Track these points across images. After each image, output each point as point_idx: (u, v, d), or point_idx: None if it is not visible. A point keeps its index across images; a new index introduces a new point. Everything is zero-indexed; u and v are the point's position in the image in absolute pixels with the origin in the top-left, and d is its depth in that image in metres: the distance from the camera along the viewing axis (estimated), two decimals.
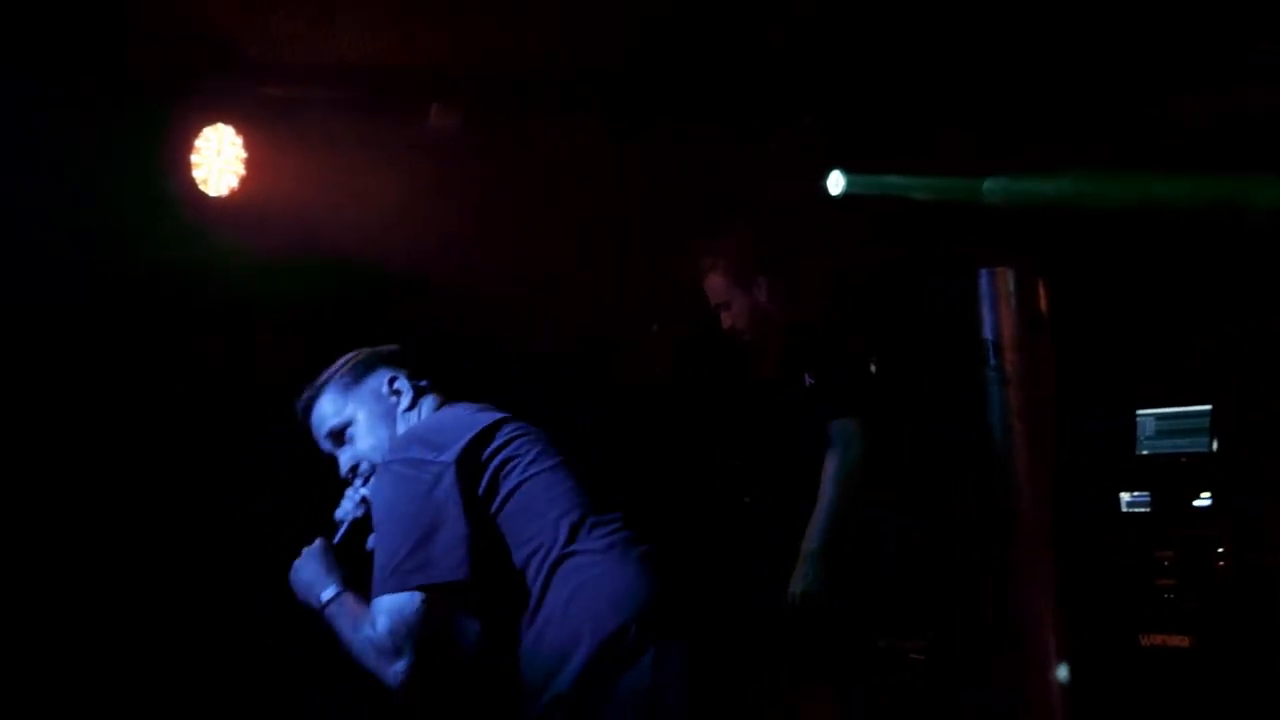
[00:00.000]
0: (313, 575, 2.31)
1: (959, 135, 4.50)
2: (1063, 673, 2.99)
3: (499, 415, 2.27)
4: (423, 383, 2.41)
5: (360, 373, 2.40)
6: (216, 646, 3.87)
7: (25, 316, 3.70)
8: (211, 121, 3.92)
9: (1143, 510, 4.49)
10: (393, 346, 2.45)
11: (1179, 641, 4.18)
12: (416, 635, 2.06)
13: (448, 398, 2.41)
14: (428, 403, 2.38)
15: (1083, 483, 4.65)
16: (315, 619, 2.30)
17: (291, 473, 3.87)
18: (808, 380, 3.56)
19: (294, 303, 4.04)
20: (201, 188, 3.92)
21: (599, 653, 2.03)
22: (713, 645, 2.17)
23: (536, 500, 2.15)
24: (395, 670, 2.08)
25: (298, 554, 2.38)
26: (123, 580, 3.77)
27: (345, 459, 2.39)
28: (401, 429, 2.34)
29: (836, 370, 3.54)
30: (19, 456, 3.65)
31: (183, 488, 3.92)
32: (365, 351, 2.44)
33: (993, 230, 4.79)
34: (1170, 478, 4.42)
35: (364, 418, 2.37)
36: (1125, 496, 4.55)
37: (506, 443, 2.19)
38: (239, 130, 3.95)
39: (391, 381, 2.38)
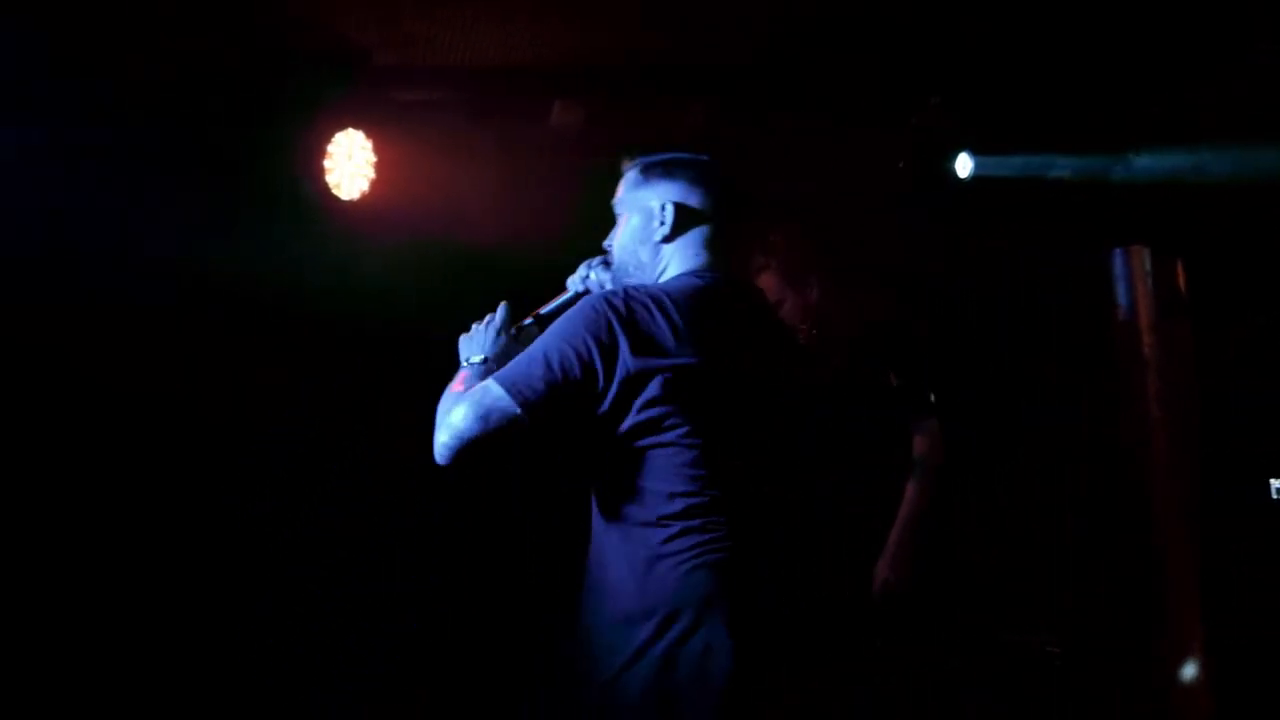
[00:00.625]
0: (476, 340, 2.33)
1: (1089, 114, 4.37)
2: (1190, 670, 2.89)
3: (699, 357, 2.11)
4: (694, 213, 2.26)
5: (651, 176, 2.30)
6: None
7: (165, 319, 3.88)
8: (343, 127, 4.03)
9: None
10: (699, 159, 2.31)
11: None
12: (484, 428, 2.04)
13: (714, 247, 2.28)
14: (677, 253, 2.26)
15: (1231, 467, 4.49)
16: None
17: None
18: (892, 380, 3.54)
19: (427, 301, 4.12)
20: (334, 192, 4.03)
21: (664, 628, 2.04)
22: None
23: (659, 464, 2.09)
24: (441, 442, 2.08)
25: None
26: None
27: (610, 236, 2.37)
28: (648, 254, 2.28)
29: (917, 370, 3.52)
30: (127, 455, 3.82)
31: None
32: (675, 157, 2.31)
33: (1127, 209, 4.65)
34: None
35: (627, 219, 2.31)
36: (1276, 483, 4.37)
37: (673, 396, 2.08)
38: (369, 134, 4.06)
39: (664, 205, 2.26)
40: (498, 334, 2.34)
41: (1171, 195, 4.54)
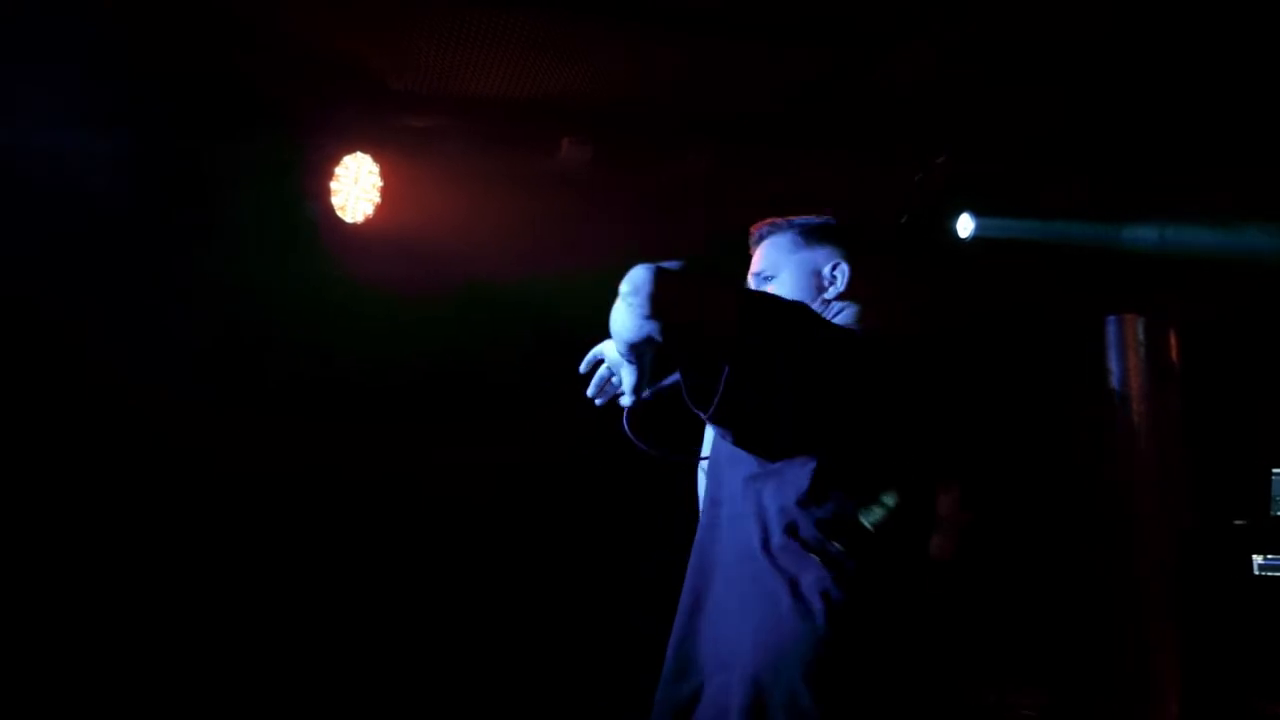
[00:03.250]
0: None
1: (1093, 181, 4.42)
2: None
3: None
4: (861, 276, 2.29)
5: (815, 238, 2.32)
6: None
7: (161, 335, 3.89)
8: (351, 150, 4.05)
9: (1276, 574, 4.33)
10: (853, 224, 2.35)
11: None
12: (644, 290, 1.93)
13: (878, 304, 2.31)
14: (849, 309, 2.29)
15: (1213, 543, 4.50)
16: None
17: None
18: None
19: (424, 328, 4.14)
20: (339, 214, 4.05)
21: None
22: None
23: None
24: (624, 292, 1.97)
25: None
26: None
27: None
28: (817, 309, 2.26)
29: None
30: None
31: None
32: (831, 221, 2.35)
33: (1122, 278, 4.68)
34: None
35: (790, 282, 2.30)
36: (1258, 559, 4.39)
37: None
38: (376, 158, 4.08)
39: (835, 266, 2.29)
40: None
41: (1168, 266, 4.58)
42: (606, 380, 2.33)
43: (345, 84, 3.93)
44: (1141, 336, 4.93)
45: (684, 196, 4.31)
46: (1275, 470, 4.37)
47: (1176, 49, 3.71)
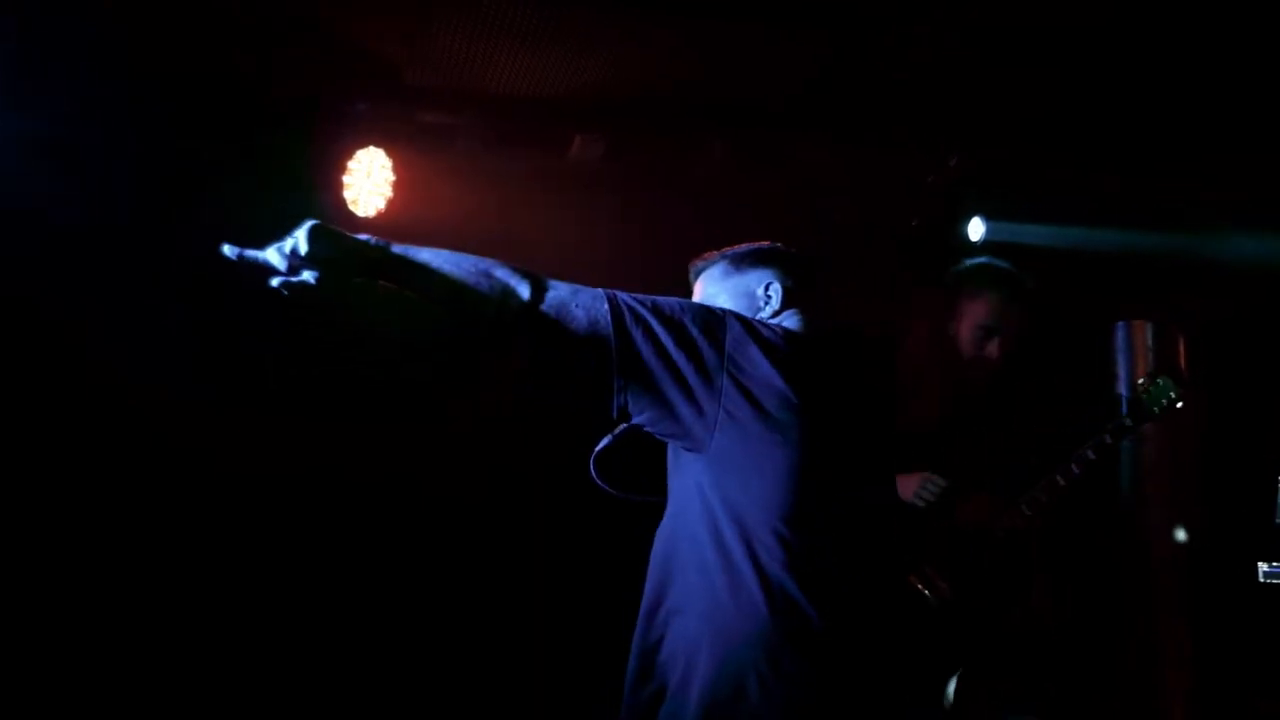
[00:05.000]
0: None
1: (1107, 186, 4.42)
2: None
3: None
4: (794, 291, 2.37)
5: (745, 265, 2.41)
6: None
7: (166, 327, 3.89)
8: (364, 144, 4.05)
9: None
10: (784, 248, 2.44)
11: None
12: (566, 301, 2.07)
13: (813, 315, 2.38)
14: (790, 317, 2.36)
15: (1219, 549, 4.49)
16: None
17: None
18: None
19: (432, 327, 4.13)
20: (351, 208, 4.05)
21: None
22: None
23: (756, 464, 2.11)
24: (522, 290, 2.08)
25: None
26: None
27: None
28: None
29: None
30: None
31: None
32: (761, 246, 2.44)
33: (1132, 283, 4.68)
34: None
35: (728, 307, 2.35)
36: (1263, 566, 4.37)
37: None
38: (389, 153, 4.08)
39: (768, 286, 2.37)
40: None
41: (1179, 271, 4.58)
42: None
43: (360, 78, 3.94)
44: (1150, 341, 4.94)
45: (697, 190, 4.31)
46: None
47: (1190, 46, 3.72)
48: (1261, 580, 4.41)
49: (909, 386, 3.63)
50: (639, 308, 2.11)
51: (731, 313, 2.20)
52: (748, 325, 2.18)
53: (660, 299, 2.16)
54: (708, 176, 4.32)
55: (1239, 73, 3.86)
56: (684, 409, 2.09)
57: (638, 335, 2.08)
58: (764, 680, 2.03)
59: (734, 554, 2.08)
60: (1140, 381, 3.43)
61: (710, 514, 2.12)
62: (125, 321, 3.86)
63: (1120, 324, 4.47)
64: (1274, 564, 4.45)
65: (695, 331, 2.12)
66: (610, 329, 2.07)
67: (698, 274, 2.47)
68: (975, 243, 4.50)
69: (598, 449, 2.38)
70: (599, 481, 2.37)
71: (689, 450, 2.15)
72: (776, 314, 2.35)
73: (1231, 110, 4.10)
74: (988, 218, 4.49)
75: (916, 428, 3.49)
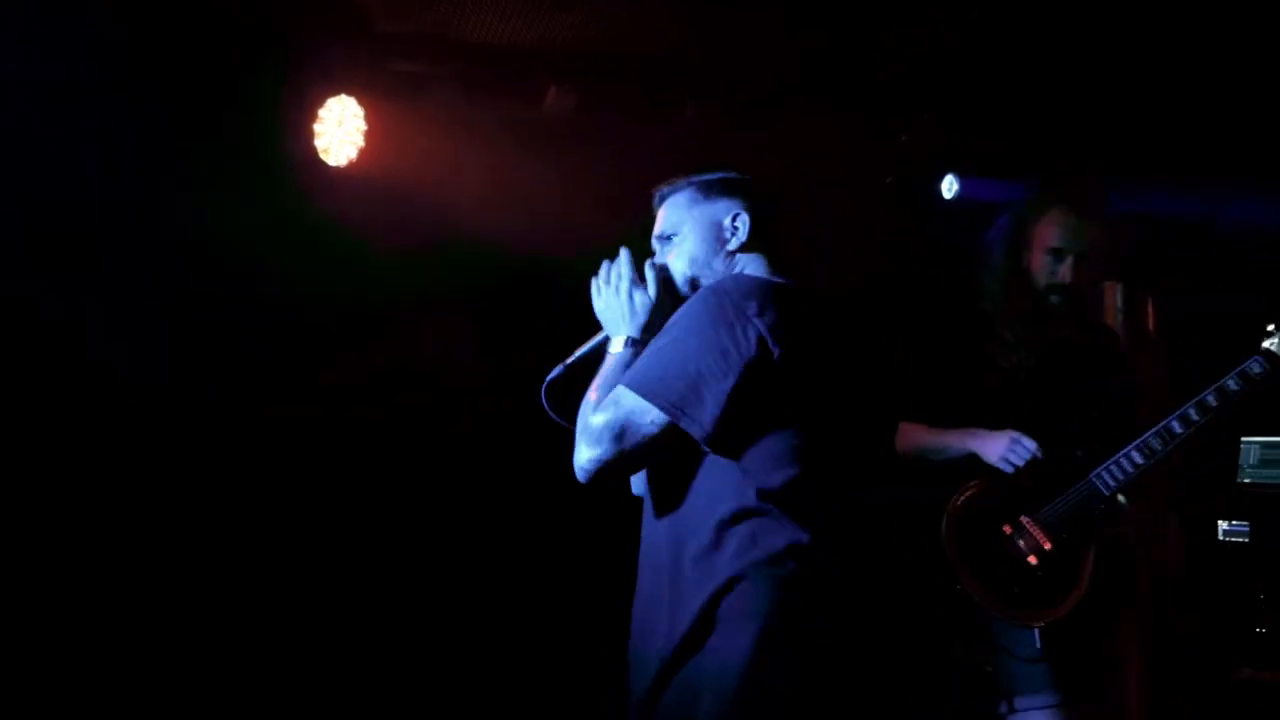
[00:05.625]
0: (617, 309, 2.27)
1: (1080, 147, 4.43)
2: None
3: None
4: (761, 224, 2.33)
5: (713, 193, 2.35)
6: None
7: (137, 278, 3.83)
8: (336, 92, 4.00)
9: (1240, 540, 4.39)
10: (752, 180, 2.39)
11: (1272, 677, 4.09)
12: (625, 446, 2.03)
13: (780, 255, 2.35)
14: (750, 261, 2.31)
15: (1180, 507, 4.56)
16: None
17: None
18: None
19: (404, 275, 4.11)
20: (322, 156, 4.00)
21: None
22: None
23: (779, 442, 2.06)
24: (584, 459, 2.05)
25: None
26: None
27: (660, 255, 2.39)
28: (721, 264, 2.31)
29: None
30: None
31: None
32: (730, 175, 2.39)
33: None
34: (1271, 509, 4.32)
35: (692, 237, 2.33)
36: (1223, 525, 4.45)
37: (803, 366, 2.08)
38: (361, 102, 4.03)
39: (735, 217, 2.32)
40: (638, 302, 2.26)
41: (1149, 232, 4.61)
42: None
43: (331, 25, 3.88)
44: (1119, 303, 4.98)
45: (672, 146, 4.29)
46: (1245, 439, 4.42)
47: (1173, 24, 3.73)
48: (1221, 539, 4.50)
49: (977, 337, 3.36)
50: None
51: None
52: None
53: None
54: (682, 135, 4.30)
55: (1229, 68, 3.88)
56: None
57: None
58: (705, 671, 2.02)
59: (687, 541, 2.07)
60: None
61: (675, 503, 2.11)
62: (125, 321, 3.79)
63: None
64: (1234, 523, 4.52)
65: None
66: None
67: (662, 199, 2.41)
68: (949, 200, 4.52)
69: (549, 378, 2.33)
70: (549, 411, 2.30)
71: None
72: (743, 247, 2.31)
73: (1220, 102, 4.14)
74: (961, 175, 4.50)
75: (1000, 381, 3.26)
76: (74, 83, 3.62)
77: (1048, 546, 3.09)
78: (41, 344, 3.69)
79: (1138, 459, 3.08)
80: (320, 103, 3.98)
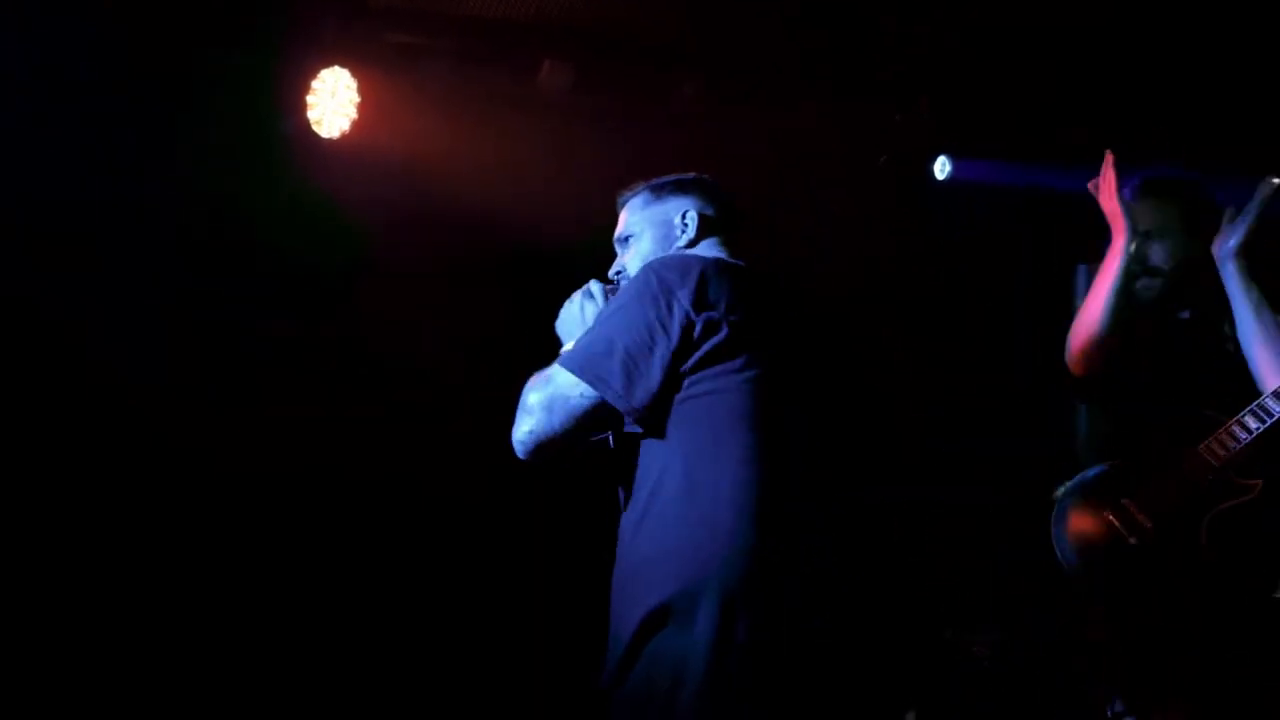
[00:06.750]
0: (571, 320, 2.35)
1: (1074, 130, 4.43)
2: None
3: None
4: (711, 220, 2.40)
5: (664, 194, 2.45)
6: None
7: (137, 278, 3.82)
8: (329, 64, 3.98)
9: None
10: (704, 177, 2.47)
11: None
12: (556, 420, 2.09)
13: (731, 245, 2.40)
14: (708, 244, 2.39)
15: None
16: None
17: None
18: None
19: (395, 247, 4.11)
20: (315, 128, 3.99)
21: None
22: None
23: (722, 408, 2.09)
24: (520, 433, 2.11)
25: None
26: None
27: (616, 265, 2.46)
28: None
29: None
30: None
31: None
32: (685, 176, 2.47)
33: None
34: None
35: (645, 237, 2.42)
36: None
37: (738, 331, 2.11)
38: (355, 74, 4.01)
39: (684, 214, 2.40)
40: (583, 310, 2.34)
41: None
42: None
43: None
44: None
45: (667, 123, 4.29)
46: None
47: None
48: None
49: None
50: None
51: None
52: None
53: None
54: (679, 112, 4.29)
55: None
56: None
57: None
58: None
59: (644, 504, 2.11)
60: None
61: (638, 465, 2.15)
62: (125, 321, 3.79)
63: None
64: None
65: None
66: None
67: (622, 204, 2.49)
68: (941, 181, 4.52)
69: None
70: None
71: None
72: (692, 242, 2.37)
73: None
74: (955, 156, 4.50)
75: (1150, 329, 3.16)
76: (74, 82, 3.60)
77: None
78: (41, 344, 3.70)
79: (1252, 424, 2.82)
80: (314, 74, 3.97)
